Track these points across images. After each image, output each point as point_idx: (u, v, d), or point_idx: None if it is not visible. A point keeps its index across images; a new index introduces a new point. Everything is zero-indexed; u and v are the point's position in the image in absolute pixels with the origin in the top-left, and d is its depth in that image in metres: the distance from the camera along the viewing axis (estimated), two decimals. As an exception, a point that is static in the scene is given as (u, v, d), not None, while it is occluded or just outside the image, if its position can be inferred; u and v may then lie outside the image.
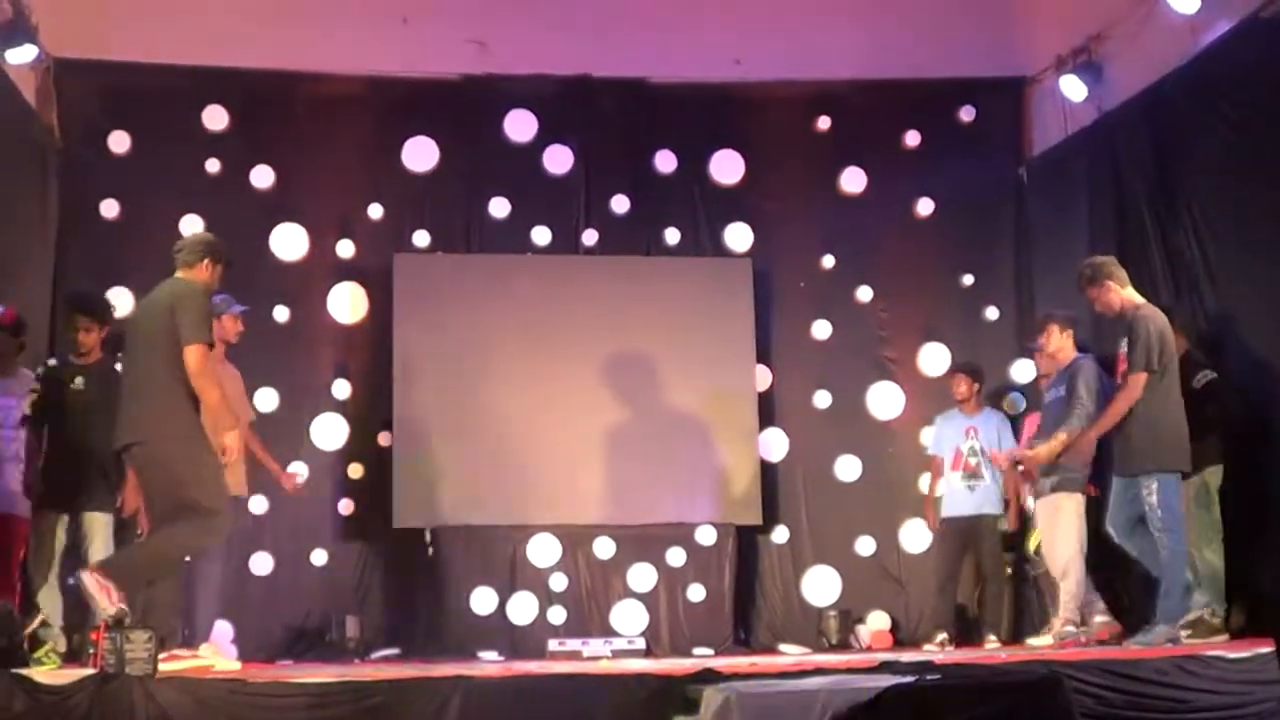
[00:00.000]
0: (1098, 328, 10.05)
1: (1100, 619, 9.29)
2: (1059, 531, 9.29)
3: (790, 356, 12.29)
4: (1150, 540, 8.24)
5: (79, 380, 8.58)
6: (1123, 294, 8.51)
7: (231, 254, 7.89)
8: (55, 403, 8.61)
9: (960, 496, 10.75)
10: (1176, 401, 8.25)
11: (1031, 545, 10.27)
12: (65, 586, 8.53)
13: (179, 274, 7.56)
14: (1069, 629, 9.11)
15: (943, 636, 10.49)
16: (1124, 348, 8.34)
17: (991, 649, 10.09)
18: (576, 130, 12.15)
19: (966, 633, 10.90)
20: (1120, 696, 6.02)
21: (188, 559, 8.01)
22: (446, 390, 11.62)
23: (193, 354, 7.15)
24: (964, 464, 10.77)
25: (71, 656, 7.99)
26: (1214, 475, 8.76)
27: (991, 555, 10.69)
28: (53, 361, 8.77)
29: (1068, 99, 11.63)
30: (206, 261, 7.59)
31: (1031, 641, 9.55)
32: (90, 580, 6.78)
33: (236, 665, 7.86)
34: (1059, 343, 9.50)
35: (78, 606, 8.25)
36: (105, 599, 6.73)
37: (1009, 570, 10.95)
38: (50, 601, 8.48)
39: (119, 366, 8.52)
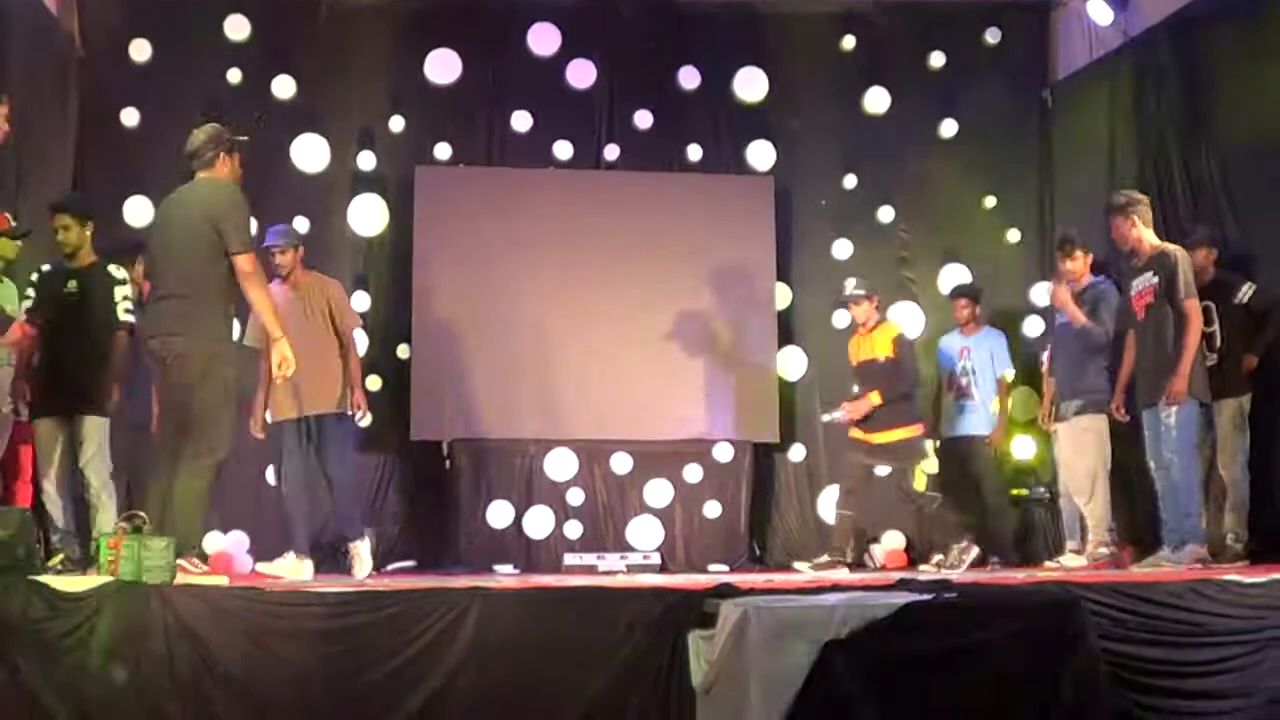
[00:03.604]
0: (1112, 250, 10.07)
1: (1103, 550, 9.30)
2: (1083, 452, 9.30)
3: (810, 275, 12.28)
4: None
5: (71, 284, 8.47)
6: (1144, 233, 8.56)
7: (239, 132, 7.71)
8: (49, 307, 8.52)
9: (952, 417, 10.82)
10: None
11: (917, 483, 10.29)
12: (69, 493, 8.51)
13: (202, 175, 7.43)
14: (1102, 550, 9.16)
15: (939, 558, 10.45)
16: (1146, 283, 8.44)
17: (993, 570, 10.11)
18: (600, 45, 12.06)
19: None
20: (1134, 619, 6.00)
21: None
22: (466, 303, 11.63)
23: (245, 262, 7.07)
24: (956, 385, 10.80)
25: (84, 564, 7.97)
26: (1248, 400, 8.88)
27: (988, 476, 10.70)
28: (46, 268, 8.68)
29: (1094, 23, 11.59)
30: (222, 156, 7.42)
31: (1065, 562, 9.55)
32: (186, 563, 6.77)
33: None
34: (1079, 266, 9.55)
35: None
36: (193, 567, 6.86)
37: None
38: (57, 508, 8.47)
39: (111, 269, 8.57)
